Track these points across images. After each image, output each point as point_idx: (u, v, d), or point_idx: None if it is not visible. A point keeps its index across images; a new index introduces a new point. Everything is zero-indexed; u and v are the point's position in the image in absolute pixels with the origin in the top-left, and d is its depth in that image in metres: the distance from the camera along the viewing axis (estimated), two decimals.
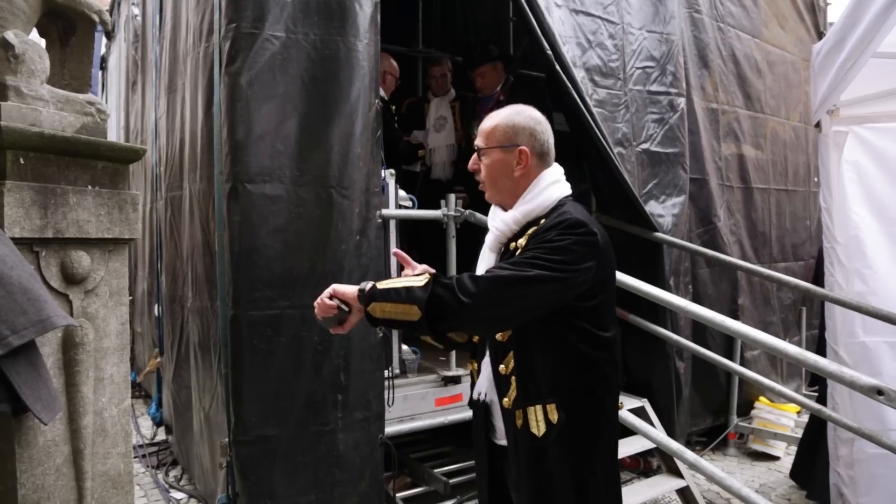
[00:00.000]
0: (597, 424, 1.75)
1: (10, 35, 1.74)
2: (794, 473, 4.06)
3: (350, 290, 1.64)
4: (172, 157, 3.83)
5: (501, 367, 1.77)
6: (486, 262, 1.85)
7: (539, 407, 1.70)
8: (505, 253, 1.80)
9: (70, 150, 1.89)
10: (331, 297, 1.65)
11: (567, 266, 1.58)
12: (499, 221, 1.81)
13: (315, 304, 1.67)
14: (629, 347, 4.24)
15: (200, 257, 3.21)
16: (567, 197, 1.81)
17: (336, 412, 2.88)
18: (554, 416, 1.69)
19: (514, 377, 1.73)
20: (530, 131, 1.80)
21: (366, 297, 1.62)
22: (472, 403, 1.95)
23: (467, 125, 4.65)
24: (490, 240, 1.84)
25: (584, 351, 1.70)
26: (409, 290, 1.58)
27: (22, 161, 1.77)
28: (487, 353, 1.85)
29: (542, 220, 1.72)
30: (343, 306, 1.65)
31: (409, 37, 5.69)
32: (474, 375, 1.96)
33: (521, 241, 1.73)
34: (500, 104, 4.22)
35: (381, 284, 1.63)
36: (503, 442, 1.83)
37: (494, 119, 1.82)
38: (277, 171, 2.76)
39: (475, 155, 1.84)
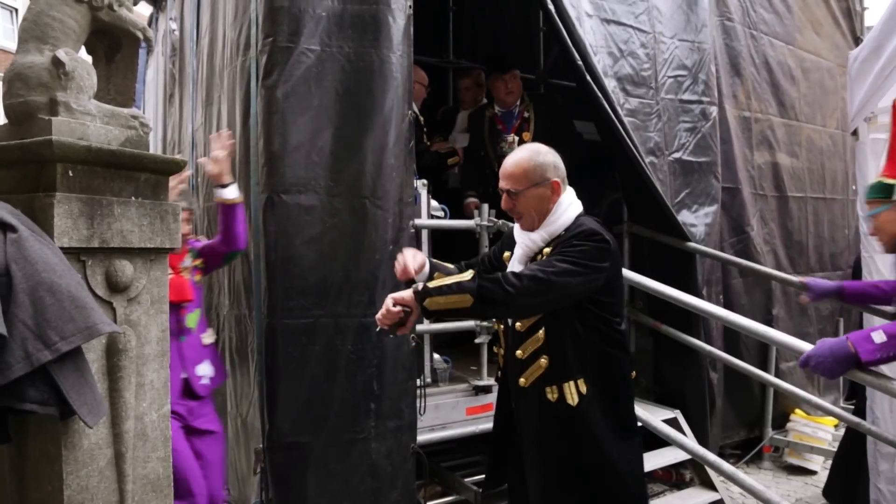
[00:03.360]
0: (618, 396, 2.13)
1: (61, 53, 1.81)
2: (828, 491, 3.95)
3: (406, 294, 1.94)
4: None
5: (519, 352, 2.13)
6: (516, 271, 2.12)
7: (572, 382, 2.05)
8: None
9: (115, 163, 1.95)
10: (394, 304, 1.93)
11: (587, 263, 1.95)
12: (528, 240, 2.13)
13: (379, 314, 1.96)
14: (662, 358, 4.20)
15: (237, 266, 3.27)
16: (581, 214, 2.13)
17: (369, 421, 2.90)
18: (584, 389, 2.05)
19: (542, 359, 2.08)
20: (554, 164, 2.12)
21: (421, 295, 1.91)
22: (499, 380, 2.40)
23: (481, 141, 4.34)
24: (519, 254, 2.16)
25: (606, 339, 2.08)
26: (459, 283, 1.91)
27: (70, 174, 1.83)
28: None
29: (562, 233, 2.07)
30: (405, 308, 1.92)
31: (439, 47, 5.73)
32: (500, 359, 2.34)
33: (546, 250, 2.07)
34: (524, 122, 4.21)
35: (433, 284, 1.94)
36: None
37: (520, 164, 2.11)
38: (312, 182, 2.81)
39: (506, 196, 2.13)
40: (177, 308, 2.62)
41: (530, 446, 2.17)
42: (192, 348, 2.73)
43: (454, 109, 5.10)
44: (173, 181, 2.35)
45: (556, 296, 1.95)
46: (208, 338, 2.85)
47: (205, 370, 2.77)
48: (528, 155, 2.12)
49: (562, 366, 2.07)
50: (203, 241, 2.94)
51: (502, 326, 2.27)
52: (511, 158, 2.14)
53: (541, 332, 2.08)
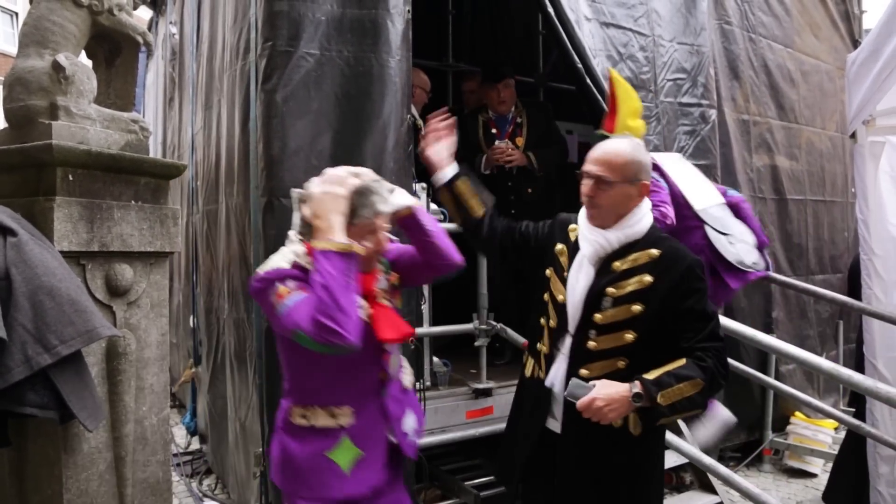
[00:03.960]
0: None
1: (61, 58, 1.82)
2: (828, 494, 3.94)
3: (621, 403, 1.79)
4: (209, 171, 3.91)
5: (584, 371, 1.93)
6: (585, 272, 1.98)
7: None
8: (604, 270, 1.95)
9: (115, 167, 1.96)
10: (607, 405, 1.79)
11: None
12: (601, 238, 1.95)
13: (593, 414, 1.80)
14: None
15: (237, 269, 3.27)
16: (653, 224, 2.00)
17: None
18: None
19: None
20: (647, 167, 1.96)
21: (655, 414, 1.81)
22: (532, 383, 2.11)
23: (476, 145, 4.32)
24: (590, 252, 1.97)
25: None
26: (691, 399, 1.81)
27: (70, 177, 1.84)
28: (562, 348, 2.01)
29: (653, 251, 1.91)
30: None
31: (439, 51, 5.74)
32: (542, 359, 2.07)
33: (626, 266, 1.92)
34: (518, 127, 4.23)
35: (664, 398, 1.78)
36: (557, 428, 2.01)
37: (622, 153, 1.92)
38: None
39: (594, 182, 1.92)
40: (379, 353, 1.88)
41: (571, 462, 1.99)
42: (395, 401, 1.94)
43: (457, 111, 5.11)
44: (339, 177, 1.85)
45: None
46: (408, 377, 2.08)
47: (409, 424, 1.99)
48: (630, 148, 1.94)
49: None
50: (395, 245, 2.02)
51: (548, 322, 2.06)
52: (611, 145, 1.97)
53: (621, 362, 1.91)
